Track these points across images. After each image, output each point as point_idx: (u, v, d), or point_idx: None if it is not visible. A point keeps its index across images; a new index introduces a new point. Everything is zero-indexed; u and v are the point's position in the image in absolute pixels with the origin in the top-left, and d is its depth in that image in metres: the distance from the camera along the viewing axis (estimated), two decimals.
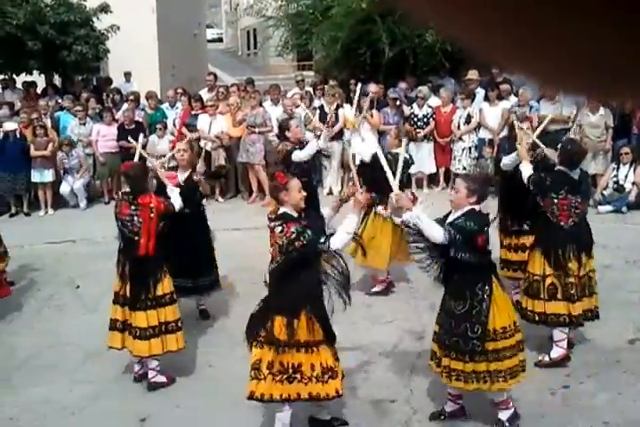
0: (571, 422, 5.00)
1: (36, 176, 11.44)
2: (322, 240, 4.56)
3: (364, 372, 5.83)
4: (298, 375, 4.65)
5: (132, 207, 5.59)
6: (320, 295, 4.74)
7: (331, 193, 11.98)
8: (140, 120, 12.03)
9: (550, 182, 5.71)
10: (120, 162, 10.64)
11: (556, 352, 5.76)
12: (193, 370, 6.02)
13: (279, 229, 4.59)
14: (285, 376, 4.64)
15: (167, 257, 5.74)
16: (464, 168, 11.21)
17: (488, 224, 4.79)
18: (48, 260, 8.98)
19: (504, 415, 4.88)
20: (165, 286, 5.69)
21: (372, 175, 6.67)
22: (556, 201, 5.64)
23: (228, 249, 7.52)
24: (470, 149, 11.19)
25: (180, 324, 5.77)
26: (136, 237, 5.57)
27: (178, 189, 6.13)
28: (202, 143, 11.73)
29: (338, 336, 6.42)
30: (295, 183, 4.82)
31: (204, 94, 12.86)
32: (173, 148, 7.03)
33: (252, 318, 4.78)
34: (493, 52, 0.41)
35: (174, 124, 12.20)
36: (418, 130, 11.39)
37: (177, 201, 5.99)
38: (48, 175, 11.50)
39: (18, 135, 11.38)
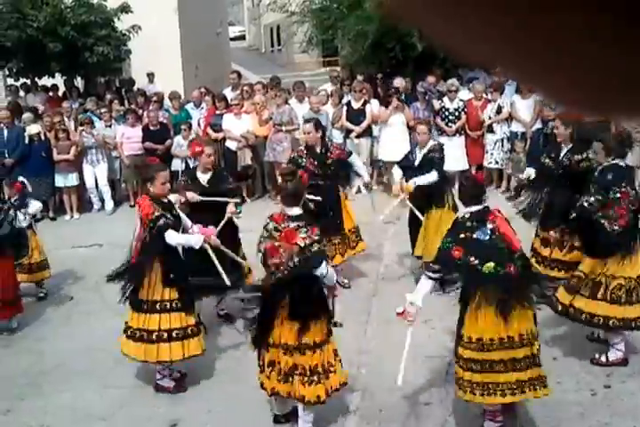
0: (613, 422, 4.96)
1: (59, 180, 11.59)
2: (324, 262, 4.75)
3: (398, 373, 5.82)
4: (296, 377, 4.86)
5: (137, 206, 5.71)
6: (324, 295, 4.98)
7: (359, 191, 11.96)
8: (165, 121, 12.14)
9: (612, 177, 5.61)
10: None
11: (615, 355, 5.72)
12: (224, 374, 6.07)
13: (304, 230, 4.70)
14: (282, 377, 4.87)
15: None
16: (496, 162, 11.15)
17: (465, 229, 4.79)
18: (75, 264, 9.10)
19: (488, 426, 4.90)
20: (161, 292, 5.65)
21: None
22: (618, 195, 5.51)
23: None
24: (502, 141, 11.12)
25: (179, 333, 5.70)
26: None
27: (199, 241, 5.67)
28: (227, 143, 11.83)
29: (372, 336, 6.49)
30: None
31: (228, 93, 12.95)
32: (194, 151, 6.96)
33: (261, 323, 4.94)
34: (496, 61, 0.42)
35: (199, 125, 12.29)
36: (449, 124, 11.36)
37: (181, 238, 5.63)
38: (72, 179, 11.64)
39: (43, 138, 11.54)
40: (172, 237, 5.45)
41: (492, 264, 4.54)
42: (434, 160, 7.34)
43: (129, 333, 5.75)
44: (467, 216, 4.82)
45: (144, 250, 5.59)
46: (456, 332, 4.88)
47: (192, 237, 5.67)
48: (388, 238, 9.33)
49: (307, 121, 7.95)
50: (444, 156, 7.52)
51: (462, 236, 4.68)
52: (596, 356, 5.77)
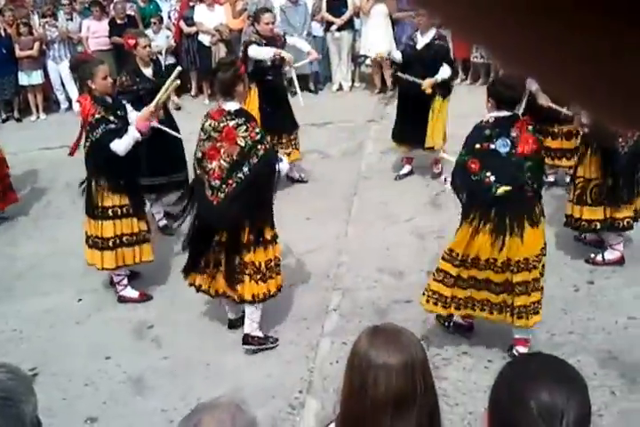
0: (595, 317, 5.07)
1: (23, 79, 11.29)
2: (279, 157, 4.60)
3: (379, 272, 5.89)
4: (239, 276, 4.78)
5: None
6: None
7: (340, 89, 11.75)
8: (133, 14, 11.72)
9: None
10: (113, 60, 10.44)
11: (612, 254, 5.74)
12: None
13: (244, 128, 4.50)
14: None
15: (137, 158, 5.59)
16: (482, 56, 10.90)
17: (482, 140, 4.29)
18: (43, 166, 9.00)
19: (456, 318, 4.93)
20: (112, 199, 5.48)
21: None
22: None
23: None
24: None
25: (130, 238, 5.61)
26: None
27: (138, 135, 5.29)
28: (200, 38, 11.47)
29: (352, 236, 6.52)
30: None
31: None
32: (129, 45, 6.68)
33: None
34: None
35: (169, 18, 11.88)
36: None
37: (124, 142, 5.23)
38: (37, 77, 11.34)
39: (2, 34, 11.15)
40: (118, 147, 5.19)
41: (507, 188, 4.17)
42: (441, 50, 7.24)
43: (90, 242, 5.64)
44: (489, 121, 4.30)
45: (89, 161, 5.45)
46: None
47: (130, 133, 5.26)
48: (370, 137, 9.23)
49: (268, 10, 7.74)
50: (449, 44, 7.42)
51: (478, 146, 4.26)
52: (592, 256, 5.80)
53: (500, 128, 4.26)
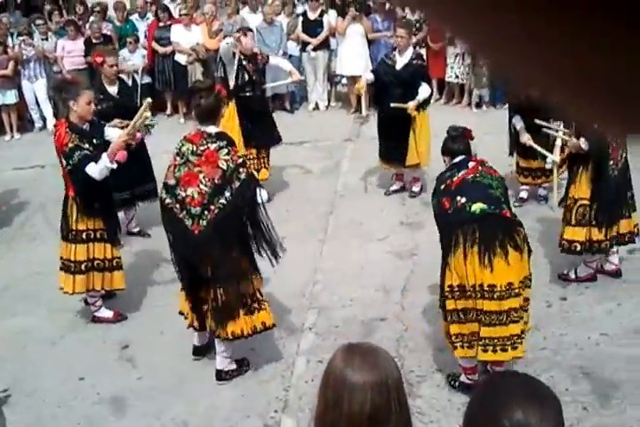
0: (567, 333, 5.13)
1: None
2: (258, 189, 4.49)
3: (354, 291, 5.93)
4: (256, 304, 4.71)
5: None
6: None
7: (316, 108, 11.84)
8: (109, 34, 11.76)
9: None
10: (88, 79, 10.46)
11: (585, 271, 5.82)
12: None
13: (225, 151, 4.39)
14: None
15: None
16: (456, 76, 11.06)
17: (444, 181, 4.34)
18: (17, 187, 8.97)
19: (463, 378, 4.64)
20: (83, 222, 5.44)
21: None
22: None
23: None
24: (463, 55, 10.99)
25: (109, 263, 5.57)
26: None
27: (111, 165, 5.15)
28: (177, 57, 11.53)
29: (328, 254, 6.57)
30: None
31: (169, 3, 12.51)
32: (96, 62, 6.79)
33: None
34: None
35: (146, 37, 11.94)
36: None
37: (98, 169, 5.14)
38: (11, 96, 11.33)
39: None
40: (94, 172, 5.11)
41: (482, 205, 4.13)
42: (420, 70, 7.45)
43: (63, 266, 5.59)
44: (446, 168, 4.46)
45: (67, 184, 5.44)
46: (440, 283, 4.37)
47: (102, 162, 5.12)
48: (347, 156, 9.32)
49: (249, 30, 7.90)
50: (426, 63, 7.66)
51: (443, 186, 4.30)
52: (565, 272, 5.89)
53: (457, 167, 4.38)
